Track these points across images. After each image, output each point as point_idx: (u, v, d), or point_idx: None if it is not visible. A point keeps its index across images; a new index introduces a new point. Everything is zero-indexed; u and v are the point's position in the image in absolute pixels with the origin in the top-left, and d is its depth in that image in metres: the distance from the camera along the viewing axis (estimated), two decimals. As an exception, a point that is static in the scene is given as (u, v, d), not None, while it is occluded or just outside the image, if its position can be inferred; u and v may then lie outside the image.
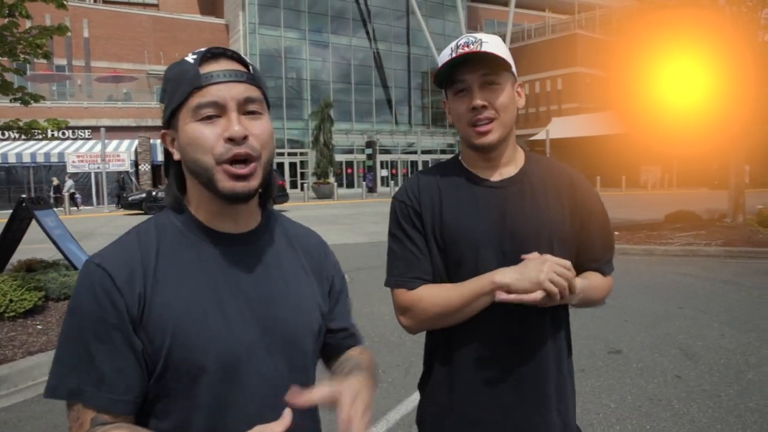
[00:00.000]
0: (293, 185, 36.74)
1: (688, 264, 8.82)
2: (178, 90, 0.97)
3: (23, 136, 7.28)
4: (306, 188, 30.95)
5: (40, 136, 7.12)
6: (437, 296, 1.34)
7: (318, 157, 33.31)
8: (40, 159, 26.49)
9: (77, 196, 26.14)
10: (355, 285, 7.81)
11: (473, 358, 1.35)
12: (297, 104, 39.34)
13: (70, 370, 0.91)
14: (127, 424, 0.92)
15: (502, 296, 1.21)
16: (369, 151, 37.25)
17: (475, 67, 1.31)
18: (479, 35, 1.34)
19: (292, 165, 38.89)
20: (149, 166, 29.22)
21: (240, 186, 0.96)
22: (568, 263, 1.22)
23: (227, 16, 39.70)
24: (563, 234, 1.37)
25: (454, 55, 1.32)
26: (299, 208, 22.80)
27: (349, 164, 40.31)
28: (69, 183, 25.36)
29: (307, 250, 1.16)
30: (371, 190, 34.88)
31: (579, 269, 1.40)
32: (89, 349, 0.91)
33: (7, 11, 5.82)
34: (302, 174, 38.26)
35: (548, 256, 1.23)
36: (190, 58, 0.99)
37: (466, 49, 1.31)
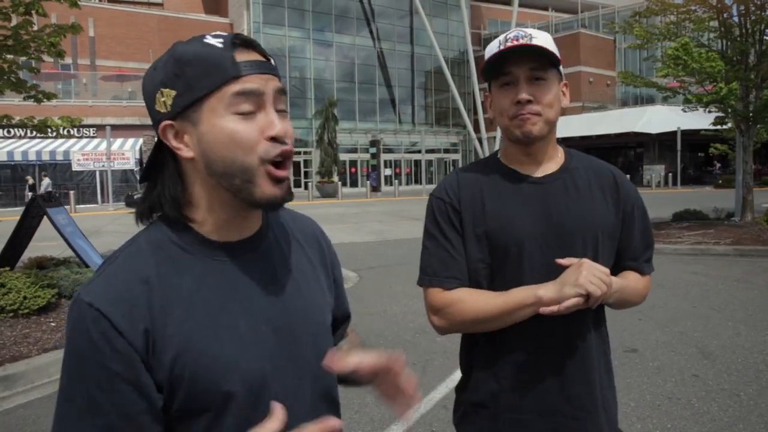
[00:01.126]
0: (297, 184, 36.72)
1: (698, 263, 8.81)
2: (206, 77, 0.84)
3: (36, 134, 7.27)
4: (310, 187, 30.95)
5: (54, 134, 7.12)
6: (477, 300, 1.31)
7: (322, 156, 33.31)
8: (45, 157, 26.54)
9: (55, 194, 26.06)
10: (366, 283, 7.81)
11: (518, 361, 1.33)
12: (301, 103, 39.34)
13: (74, 421, 0.82)
14: None
15: (546, 309, 1.20)
16: (373, 150, 37.24)
17: (524, 60, 1.29)
18: (529, 30, 1.32)
19: (296, 164, 38.88)
20: (154, 165, 29.25)
21: (280, 191, 0.88)
22: (604, 269, 1.22)
23: (231, 15, 39.71)
24: (608, 229, 1.36)
25: (502, 47, 1.30)
26: (304, 207, 22.80)
27: (353, 163, 40.31)
28: (45, 182, 24.84)
29: (310, 240, 1.09)
30: (375, 189, 34.86)
31: (618, 267, 1.41)
32: (93, 397, 0.81)
33: (23, 9, 5.82)
34: (306, 173, 38.27)
35: (585, 261, 1.22)
36: (214, 41, 0.86)
37: (515, 42, 1.29)
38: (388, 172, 39.64)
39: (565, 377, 1.32)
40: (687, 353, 4.68)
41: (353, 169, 40.36)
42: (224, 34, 0.88)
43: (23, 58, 6.35)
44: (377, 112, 41.96)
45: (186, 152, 0.88)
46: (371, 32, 41.65)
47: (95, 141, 28.61)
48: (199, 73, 0.84)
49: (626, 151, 39.85)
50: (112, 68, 34.15)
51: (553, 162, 1.41)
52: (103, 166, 25.77)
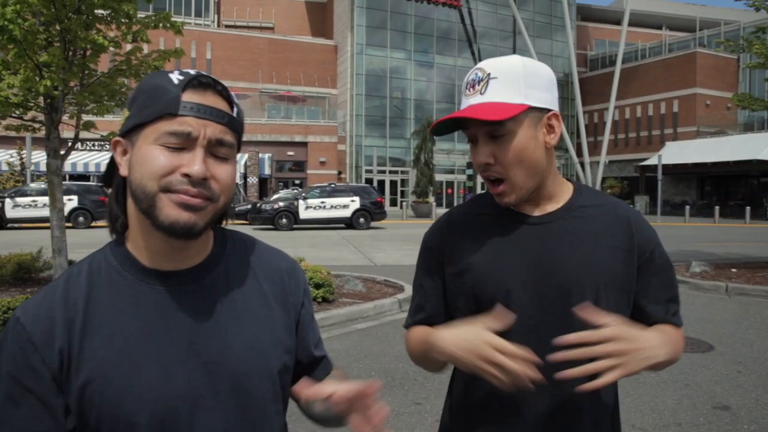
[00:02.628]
0: (393, 203, 37.16)
1: (820, 311, 7.82)
2: (150, 107, 0.88)
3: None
4: (405, 206, 31.17)
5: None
6: (410, 342, 1.31)
7: (418, 176, 33.48)
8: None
9: None
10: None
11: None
12: (400, 123, 39.94)
13: None
14: None
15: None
16: (470, 171, 36.90)
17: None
18: (490, 66, 1.17)
19: (393, 183, 39.40)
20: (256, 179, 30.88)
21: (184, 217, 0.87)
22: (514, 350, 1.01)
23: (336, 37, 41.24)
24: (614, 280, 1.18)
25: (462, 98, 1.20)
26: (395, 226, 22.97)
27: (450, 184, 40.24)
28: None
29: (272, 276, 1.05)
30: (470, 210, 34.47)
31: (641, 322, 1.21)
32: (3, 411, 0.85)
33: (131, 37, 6.36)
34: (402, 192, 38.63)
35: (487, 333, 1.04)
36: (175, 78, 0.90)
37: (470, 92, 1.18)
38: (484, 193, 39.11)
39: None
40: (792, 417, 4.12)
41: (450, 190, 40.27)
42: (191, 73, 0.91)
43: (134, 80, 6.91)
44: (476, 133, 41.60)
45: (123, 169, 0.93)
46: (473, 53, 41.62)
47: (205, 156, 30.68)
48: (146, 102, 0.89)
49: (748, 181, 36.64)
50: (225, 88, 36.55)
51: (555, 200, 1.24)
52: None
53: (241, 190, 30.04)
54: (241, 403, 0.93)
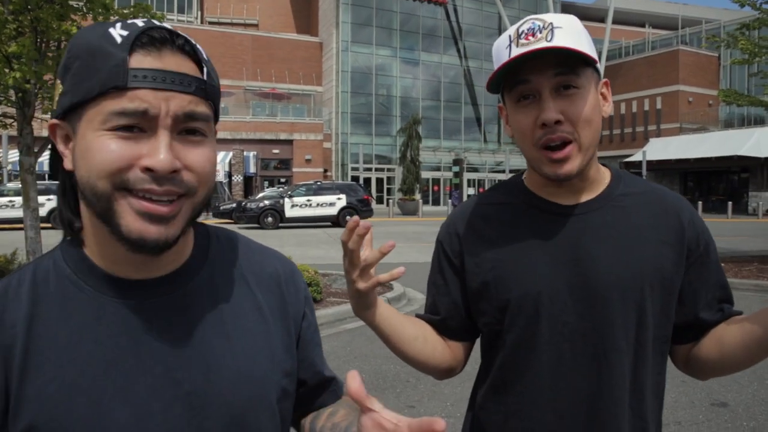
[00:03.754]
0: (379, 200, 36.99)
1: (808, 305, 7.82)
2: (90, 77, 0.66)
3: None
4: (391, 204, 31.03)
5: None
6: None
7: (404, 174, 33.37)
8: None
9: None
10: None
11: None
12: (386, 120, 39.80)
13: None
14: None
15: None
16: (456, 168, 36.90)
17: (546, 64, 0.97)
18: (549, 17, 0.98)
19: (379, 180, 39.25)
20: (241, 178, 30.57)
21: (153, 232, 0.67)
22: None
23: (321, 34, 40.97)
24: (663, 279, 1.02)
25: (514, 48, 0.97)
26: (383, 224, 22.83)
27: (436, 181, 40.21)
28: None
29: (267, 283, 0.84)
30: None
31: (691, 326, 1.08)
32: None
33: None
34: (389, 190, 38.52)
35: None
36: (117, 34, 0.66)
37: (531, 40, 0.96)
38: (471, 191, 39.14)
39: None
40: (790, 413, 4.05)
41: (436, 188, 40.26)
42: (139, 24, 0.67)
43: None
44: (462, 131, 41.71)
45: (67, 162, 0.71)
46: (458, 51, 41.61)
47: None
48: (83, 72, 0.67)
49: (729, 176, 37.08)
50: (208, 86, 36.19)
51: (592, 188, 1.07)
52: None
53: (226, 189, 29.72)
54: None
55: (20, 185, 19.95)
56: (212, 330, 0.76)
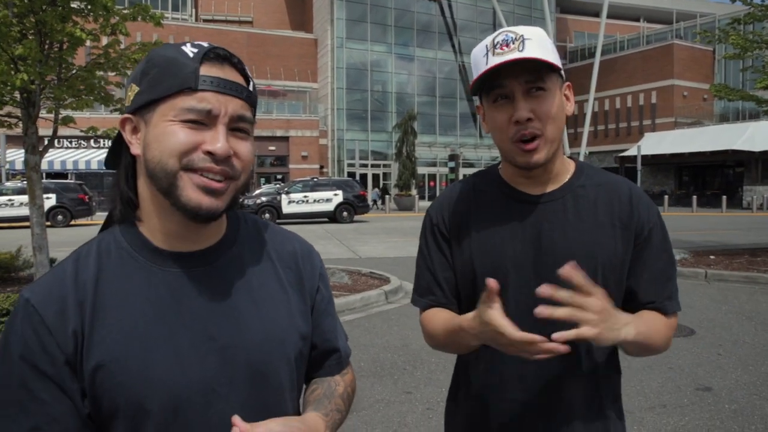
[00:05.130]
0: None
1: (796, 295, 8.00)
2: (166, 81, 0.84)
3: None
4: (387, 199, 31.17)
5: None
6: (433, 326, 1.27)
7: (400, 169, 33.51)
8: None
9: None
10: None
11: (489, 394, 1.25)
12: (381, 117, 39.87)
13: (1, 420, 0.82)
14: None
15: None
16: (452, 164, 37.06)
17: (519, 71, 1.13)
18: (520, 29, 1.14)
19: (375, 176, 39.36)
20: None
21: (206, 202, 0.84)
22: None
23: (316, 31, 40.98)
24: (611, 260, 1.19)
25: (491, 57, 1.13)
26: (379, 219, 22.98)
27: (432, 177, 40.32)
28: None
29: (286, 259, 1.01)
30: (452, 203, 34.61)
31: (633, 305, 1.23)
32: (19, 397, 0.81)
33: (110, 30, 6.25)
34: (385, 186, 38.63)
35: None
36: (189, 50, 0.86)
37: (505, 50, 1.11)
38: (466, 186, 39.31)
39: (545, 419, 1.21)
40: (771, 397, 4.22)
41: (432, 183, 40.37)
42: (205, 45, 0.87)
43: (112, 74, 6.80)
44: (458, 126, 41.81)
45: (135, 148, 0.88)
46: (453, 46, 41.68)
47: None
48: (161, 76, 0.85)
49: (724, 170, 37.28)
50: (204, 83, 36.16)
51: (557, 179, 1.25)
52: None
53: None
54: (258, 390, 0.90)
55: (19, 184, 19.85)
56: (241, 296, 0.92)
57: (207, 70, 0.85)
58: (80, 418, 0.83)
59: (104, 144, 29.36)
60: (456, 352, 1.29)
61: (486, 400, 1.26)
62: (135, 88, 0.88)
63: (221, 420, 0.84)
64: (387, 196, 32.11)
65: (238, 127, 0.87)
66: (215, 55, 0.86)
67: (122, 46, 6.68)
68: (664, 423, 3.70)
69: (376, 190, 33.71)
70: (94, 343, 0.82)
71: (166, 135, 0.83)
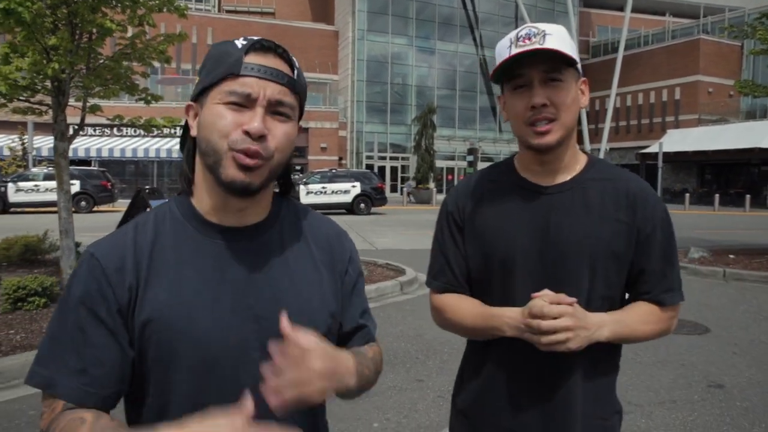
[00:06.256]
0: (393, 189, 37.18)
1: (816, 296, 7.92)
2: (216, 70, 0.95)
3: (143, 132, 7.97)
4: (405, 192, 31.17)
5: (157, 132, 7.80)
6: (457, 311, 1.35)
7: (419, 162, 33.47)
8: (163, 154, 28.76)
9: (158, 188, 27.85)
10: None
11: (502, 377, 1.33)
12: (401, 109, 39.85)
13: (49, 358, 0.91)
14: (96, 411, 0.90)
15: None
16: (470, 158, 36.85)
17: (537, 61, 1.22)
18: (542, 25, 1.24)
19: (393, 169, 39.39)
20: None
21: (240, 177, 0.92)
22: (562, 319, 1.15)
23: (337, 23, 41.01)
24: (612, 251, 1.26)
25: (513, 48, 1.22)
26: (396, 212, 23.02)
27: (450, 170, 40.24)
28: None
29: (321, 242, 1.09)
30: (470, 197, 34.48)
31: (630, 293, 1.32)
32: (74, 335, 0.91)
33: (137, 21, 6.40)
34: (403, 178, 38.64)
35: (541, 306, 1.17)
36: (239, 43, 0.96)
37: (527, 43, 1.21)
38: (485, 180, 39.13)
39: (545, 404, 1.29)
40: (784, 395, 4.22)
41: (450, 177, 40.27)
42: (254, 38, 0.97)
43: (137, 64, 6.96)
44: (477, 120, 41.63)
45: (193, 131, 1.00)
46: (474, 39, 41.42)
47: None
48: (213, 66, 0.96)
49: (749, 169, 36.54)
50: (226, 73, 36.45)
51: (568, 171, 1.32)
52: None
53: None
54: None
55: (45, 170, 20.22)
56: (279, 271, 1.01)
57: (251, 59, 0.94)
58: (124, 365, 0.93)
59: (126, 132, 29.80)
60: (473, 337, 1.38)
61: (485, 400, 1.36)
62: (197, 80, 1.00)
63: (251, 377, 0.92)
64: (403, 188, 32.14)
65: (277, 110, 0.95)
66: (261, 45, 0.96)
67: (148, 37, 6.83)
68: (673, 417, 3.74)
69: (410, 182, 33.73)
70: (146, 300, 0.92)
71: (213, 116, 0.94)
